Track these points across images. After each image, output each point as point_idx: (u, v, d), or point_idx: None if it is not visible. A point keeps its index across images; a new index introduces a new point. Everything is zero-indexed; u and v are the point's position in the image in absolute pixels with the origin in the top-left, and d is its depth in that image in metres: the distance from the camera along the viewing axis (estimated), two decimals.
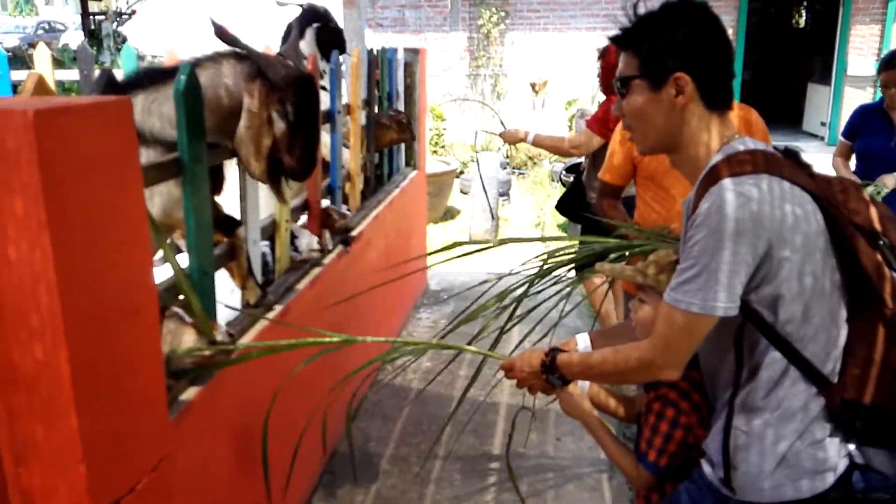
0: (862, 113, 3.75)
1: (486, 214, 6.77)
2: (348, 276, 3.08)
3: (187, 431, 1.71)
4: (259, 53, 1.84)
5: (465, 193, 7.89)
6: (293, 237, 2.59)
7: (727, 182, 1.23)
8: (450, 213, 7.65)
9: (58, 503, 1.17)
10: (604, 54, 3.69)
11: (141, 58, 9.81)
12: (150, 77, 1.89)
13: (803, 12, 13.93)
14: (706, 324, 1.26)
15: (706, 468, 1.41)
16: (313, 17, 3.45)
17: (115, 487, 1.27)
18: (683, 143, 1.36)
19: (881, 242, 1.29)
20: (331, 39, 3.44)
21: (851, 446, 1.30)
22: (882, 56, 3.62)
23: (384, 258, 3.78)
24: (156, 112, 1.85)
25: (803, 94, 10.90)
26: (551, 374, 1.56)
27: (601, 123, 3.67)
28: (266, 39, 3.37)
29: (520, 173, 9.24)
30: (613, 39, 1.42)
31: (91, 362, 1.18)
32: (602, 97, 3.82)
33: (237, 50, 1.86)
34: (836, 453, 1.30)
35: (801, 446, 1.30)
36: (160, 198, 1.92)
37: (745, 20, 9.93)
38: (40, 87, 1.38)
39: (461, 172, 8.46)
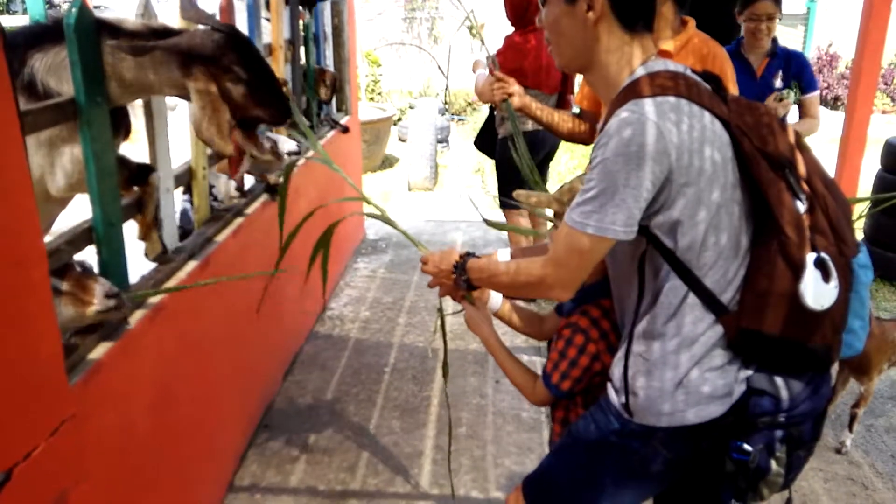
0: None
1: (424, 162, 6.67)
2: (276, 225, 2.97)
3: (97, 392, 1.61)
4: (178, 41, 1.69)
5: (404, 141, 7.75)
6: (209, 185, 2.46)
7: (633, 104, 1.19)
8: (388, 162, 7.52)
9: None
10: None
11: (54, 6, 9.23)
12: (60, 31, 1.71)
13: None
14: (601, 246, 1.24)
15: (611, 393, 1.41)
16: None
17: (6, 455, 1.18)
18: (596, 62, 1.32)
19: (787, 171, 1.27)
20: None
21: (749, 372, 1.30)
22: None
23: (317, 207, 3.66)
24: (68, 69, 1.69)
25: (736, 32, 10.98)
26: (460, 275, 1.56)
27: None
28: None
29: (459, 119, 9.12)
30: None
31: None
32: None
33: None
34: (734, 379, 1.30)
35: (699, 372, 1.29)
36: (64, 164, 1.77)
37: None
38: None
39: (399, 119, 8.30)
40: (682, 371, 1.30)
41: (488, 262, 1.51)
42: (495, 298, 1.74)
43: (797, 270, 1.23)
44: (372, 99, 8.92)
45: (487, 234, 5.19)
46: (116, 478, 1.70)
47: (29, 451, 1.23)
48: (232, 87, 1.77)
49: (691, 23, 2.43)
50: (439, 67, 9.17)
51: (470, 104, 9.37)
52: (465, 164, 7.46)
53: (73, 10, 1.63)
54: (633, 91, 1.23)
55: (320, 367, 3.32)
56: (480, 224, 5.45)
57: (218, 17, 2.57)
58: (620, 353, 1.39)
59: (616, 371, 1.39)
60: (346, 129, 4.26)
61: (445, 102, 9.17)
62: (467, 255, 1.58)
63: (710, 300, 1.27)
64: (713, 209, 1.23)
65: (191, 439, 2.19)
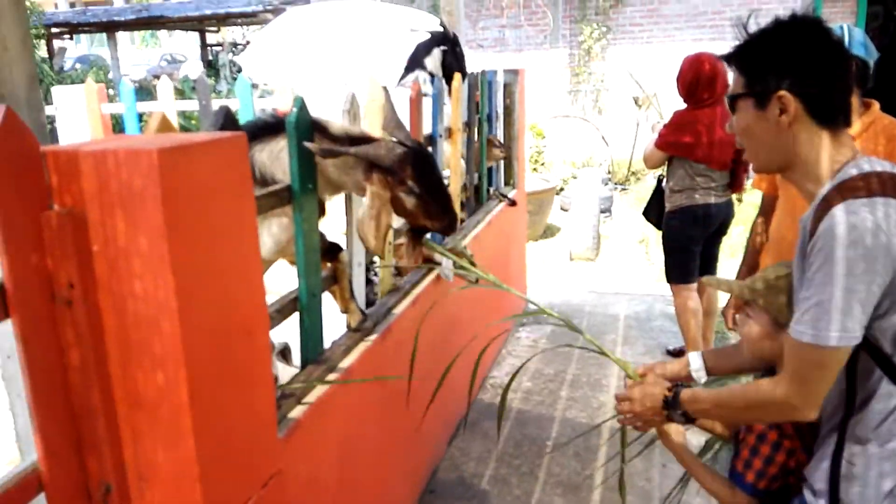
0: None
1: (587, 231, 6.68)
2: (447, 298, 3.12)
3: (296, 448, 1.78)
4: (365, 150, 1.89)
5: (566, 210, 7.81)
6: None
7: (842, 207, 1.19)
8: (550, 231, 7.60)
9: None
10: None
11: (254, 86, 10.33)
12: (281, 125, 1.97)
13: None
14: (839, 356, 1.21)
15: (808, 497, 1.36)
16: (442, 41, 3.64)
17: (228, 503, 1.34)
18: (796, 162, 1.33)
19: None
20: (455, 62, 3.67)
21: None
22: None
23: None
24: (283, 159, 1.95)
25: None
26: (674, 410, 1.50)
27: (663, 139, 3.74)
28: (390, 60, 3.55)
29: (622, 189, 9.07)
30: (724, 57, 1.42)
31: (208, 386, 1.25)
32: None
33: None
34: None
35: None
36: (273, 234, 2.01)
37: (864, 26, 9.39)
38: (163, 125, 1.48)
39: (561, 189, 8.39)
40: (892, 478, 1.25)
41: (709, 393, 1.46)
42: None
43: None
44: (535, 170, 9.11)
45: (651, 309, 5.08)
46: None
47: (245, 501, 1.39)
48: (405, 197, 1.95)
49: (875, 105, 2.36)
50: (603, 138, 9.22)
51: (633, 174, 9.31)
52: (628, 234, 7.38)
53: (295, 109, 1.88)
54: (844, 193, 1.22)
55: (482, 436, 3.38)
56: (644, 297, 5.36)
57: (408, 107, 2.82)
58: (824, 455, 1.34)
59: (817, 473, 1.35)
60: (513, 203, 4.41)
61: (609, 172, 9.18)
62: (677, 387, 1.52)
63: None
64: None
65: (367, 497, 2.33)
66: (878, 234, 1.15)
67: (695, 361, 1.70)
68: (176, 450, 1.22)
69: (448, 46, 3.70)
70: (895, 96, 2.51)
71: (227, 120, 1.71)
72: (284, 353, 2.02)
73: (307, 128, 1.88)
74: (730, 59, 1.39)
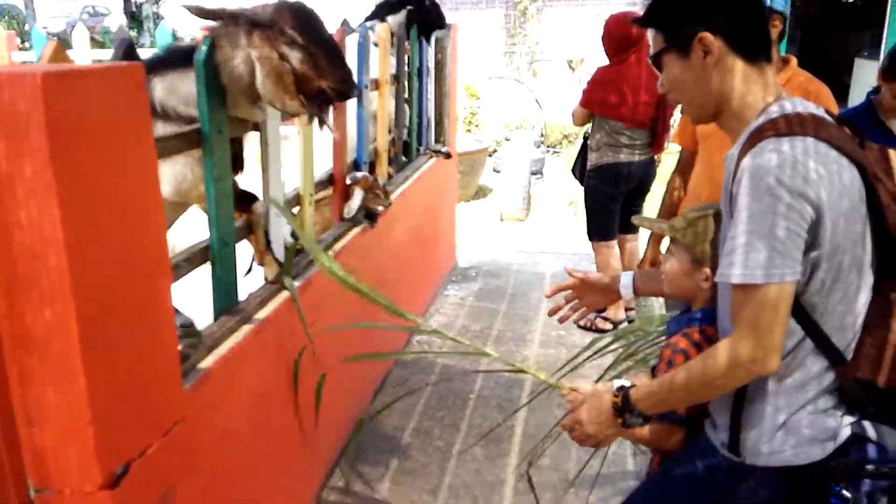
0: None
1: (518, 193, 6.73)
2: (373, 252, 3.09)
3: (205, 398, 1.74)
4: (239, 12, 1.79)
5: (498, 172, 7.83)
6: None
7: (772, 142, 1.20)
8: (482, 192, 7.62)
9: (67, 463, 1.20)
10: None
11: (178, 39, 9.92)
12: (181, 56, 1.87)
13: None
14: (787, 292, 1.19)
15: (708, 429, 1.40)
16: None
17: (124, 450, 1.29)
18: (727, 100, 1.34)
19: None
20: (426, 17, 3.67)
21: (854, 418, 1.28)
22: (890, 53, 2.76)
23: (411, 235, 3.78)
24: (183, 90, 1.85)
25: (850, 70, 10.55)
26: (629, 413, 1.40)
27: (587, 95, 3.82)
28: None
29: (554, 152, 9.15)
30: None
31: (101, 326, 1.20)
32: None
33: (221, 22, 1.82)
34: (839, 423, 1.28)
35: (802, 415, 1.28)
36: (175, 177, 1.93)
37: None
38: (57, 54, 1.39)
39: (494, 151, 8.40)
40: (786, 412, 1.29)
41: (658, 382, 1.37)
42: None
43: None
44: (469, 131, 9.09)
45: (577, 266, 5.15)
46: (220, 474, 1.83)
47: (145, 448, 1.34)
48: (289, 52, 1.79)
49: (793, 61, 2.42)
50: (537, 101, 9.25)
51: (566, 137, 9.38)
52: (558, 195, 7.46)
53: (204, 47, 1.80)
54: (768, 130, 1.23)
55: (408, 390, 3.40)
56: (571, 256, 5.44)
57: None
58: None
59: (717, 407, 1.39)
60: (448, 155, 4.40)
61: (542, 135, 9.23)
62: (622, 390, 1.41)
63: (826, 346, 1.26)
64: (845, 251, 1.22)
65: (285, 449, 2.31)
66: (809, 172, 1.16)
67: (625, 278, 1.74)
68: (66, 391, 1.17)
69: (414, 5, 3.64)
70: (818, 65, 2.57)
71: (128, 53, 1.62)
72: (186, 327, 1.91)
73: (215, 66, 1.80)
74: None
